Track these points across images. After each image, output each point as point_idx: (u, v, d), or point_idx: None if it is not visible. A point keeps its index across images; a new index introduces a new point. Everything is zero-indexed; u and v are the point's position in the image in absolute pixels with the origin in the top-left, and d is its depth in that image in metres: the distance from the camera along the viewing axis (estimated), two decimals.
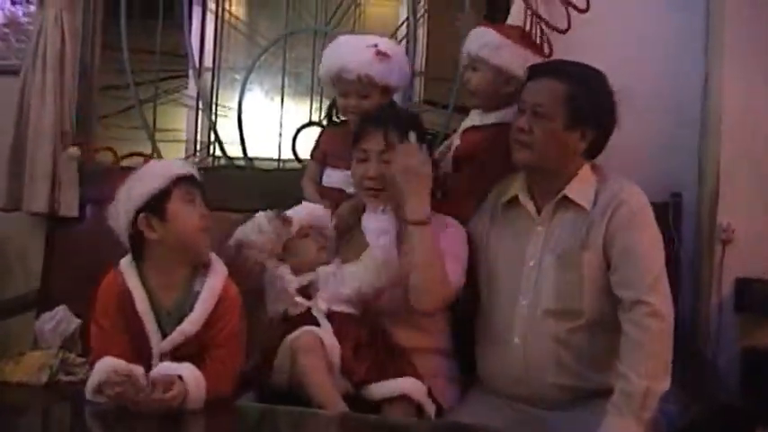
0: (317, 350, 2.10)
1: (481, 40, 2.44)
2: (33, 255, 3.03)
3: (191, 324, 2.12)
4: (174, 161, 2.37)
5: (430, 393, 2.17)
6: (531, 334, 2.18)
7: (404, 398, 2.12)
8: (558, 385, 2.15)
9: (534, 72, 2.25)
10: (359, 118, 2.40)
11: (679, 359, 2.12)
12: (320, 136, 2.59)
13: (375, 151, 2.27)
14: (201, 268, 2.20)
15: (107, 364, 2.05)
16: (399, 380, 2.13)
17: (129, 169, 2.99)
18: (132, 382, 1.99)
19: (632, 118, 2.27)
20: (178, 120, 3.29)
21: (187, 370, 2.04)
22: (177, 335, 2.13)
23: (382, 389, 2.12)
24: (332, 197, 2.45)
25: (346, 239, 2.38)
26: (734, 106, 2.63)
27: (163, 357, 2.14)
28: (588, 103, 2.17)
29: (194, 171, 2.24)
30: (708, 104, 2.73)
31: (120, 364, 2.05)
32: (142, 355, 2.13)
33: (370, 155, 2.28)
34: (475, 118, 2.53)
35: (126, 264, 2.25)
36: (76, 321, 2.80)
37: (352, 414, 2.05)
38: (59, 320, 2.80)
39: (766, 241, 2.61)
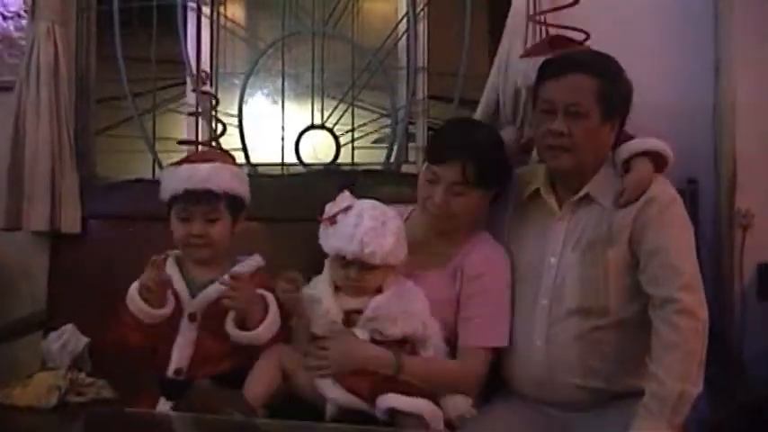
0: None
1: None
2: (37, 274, 2.98)
3: (219, 286, 2.20)
4: (192, 171, 2.29)
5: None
6: (554, 334, 2.11)
7: (416, 417, 2.04)
8: (584, 388, 2.09)
9: (556, 69, 2.13)
10: (439, 133, 2.36)
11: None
12: None
13: (448, 181, 2.16)
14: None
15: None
16: (414, 398, 2.06)
17: (130, 183, 3.00)
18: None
19: (644, 107, 2.21)
20: (178, 128, 3.23)
21: (268, 293, 2.20)
22: (205, 294, 2.25)
23: (393, 401, 2.04)
24: None
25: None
26: (747, 91, 2.60)
27: (191, 318, 2.26)
28: (618, 95, 2.10)
29: (222, 181, 2.28)
30: (720, 90, 2.68)
31: None
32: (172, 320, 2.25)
33: (443, 183, 2.16)
34: None
35: (170, 258, 2.36)
36: (85, 340, 2.75)
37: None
38: (67, 339, 2.74)
39: None
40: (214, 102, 3.02)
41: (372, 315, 2.11)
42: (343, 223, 2.12)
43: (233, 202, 2.31)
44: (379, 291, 2.16)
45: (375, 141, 3.19)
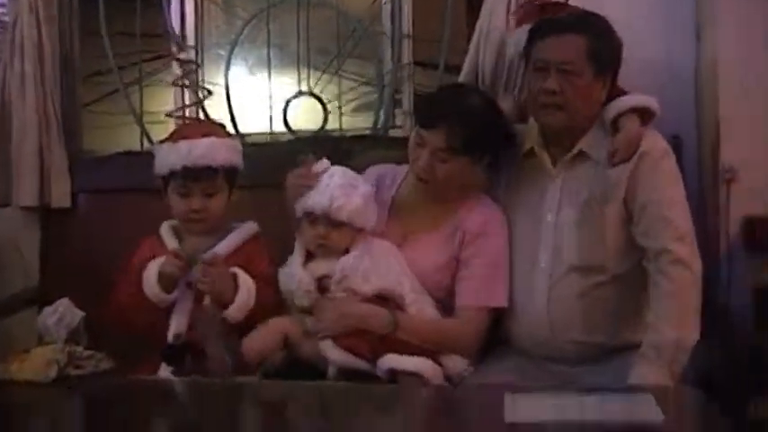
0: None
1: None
2: (29, 250, 2.98)
3: (216, 251, 2.26)
4: (190, 147, 2.30)
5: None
6: (555, 292, 2.15)
7: (417, 376, 2.09)
8: (586, 343, 2.14)
9: (547, 29, 2.16)
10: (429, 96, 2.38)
11: None
12: None
13: (433, 146, 2.18)
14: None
15: (159, 260, 2.26)
16: (413, 357, 2.10)
17: (119, 157, 3.00)
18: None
19: (628, 66, 2.24)
20: (164, 101, 3.23)
21: (240, 270, 2.22)
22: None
23: (393, 361, 2.09)
24: None
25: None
26: (729, 48, 2.60)
27: (189, 286, 2.27)
28: (608, 52, 2.14)
29: (220, 155, 2.30)
30: (702, 47, 2.71)
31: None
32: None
33: (427, 148, 2.18)
34: None
35: (165, 224, 2.42)
36: (80, 313, 2.75)
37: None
38: (62, 314, 2.75)
39: None
40: (197, 70, 3.02)
41: (341, 275, 2.15)
42: (316, 186, 2.19)
43: (229, 173, 2.33)
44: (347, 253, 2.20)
45: (360, 108, 3.21)
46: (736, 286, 2.55)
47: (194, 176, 2.28)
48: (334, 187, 2.16)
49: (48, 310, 2.76)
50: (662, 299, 2.02)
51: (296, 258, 2.22)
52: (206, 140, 2.31)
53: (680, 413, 1.77)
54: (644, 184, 2.09)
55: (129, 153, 2.98)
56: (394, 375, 2.08)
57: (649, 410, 1.65)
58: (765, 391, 2.26)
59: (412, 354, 2.10)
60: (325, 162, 2.24)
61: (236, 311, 2.20)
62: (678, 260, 2.02)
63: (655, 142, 2.14)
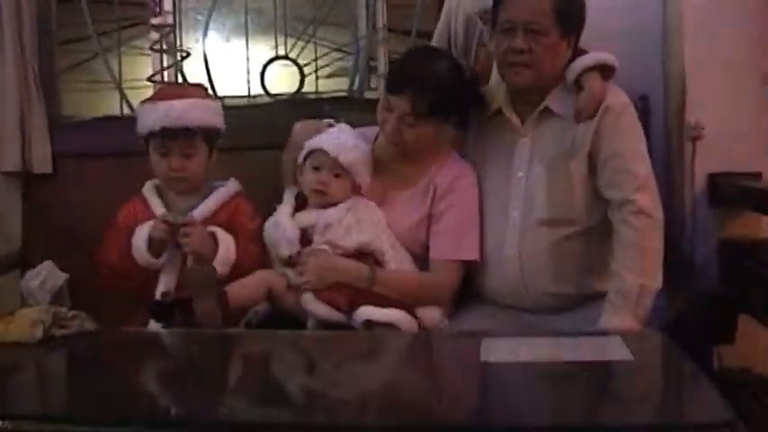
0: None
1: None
2: (10, 214, 2.99)
3: (199, 211, 2.36)
4: (168, 108, 2.37)
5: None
6: (526, 245, 2.22)
7: (391, 327, 2.16)
8: (557, 294, 2.22)
9: None
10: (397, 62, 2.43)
11: None
12: None
13: (399, 111, 2.23)
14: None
15: (147, 224, 2.33)
16: (387, 309, 2.17)
17: (99, 121, 3.03)
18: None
19: (594, 26, 2.30)
20: (140, 70, 3.26)
21: (219, 229, 2.31)
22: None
23: (367, 313, 2.16)
24: None
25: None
26: (695, 7, 2.65)
27: (176, 244, 2.34)
28: (573, 11, 2.20)
29: (197, 115, 2.37)
30: (668, 6, 2.73)
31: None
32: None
33: (395, 112, 2.24)
34: None
35: (148, 183, 2.48)
36: (63, 276, 2.79)
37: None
38: (46, 276, 2.79)
39: (735, 136, 2.65)
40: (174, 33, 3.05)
41: (324, 224, 2.22)
42: (326, 133, 2.28)
43: (208, 134, 2.38)
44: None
45: (336, 73, 3.26)
46: (700, 239, 2.61)
47: (172, 136, 2.34)
48: (347, 136, 2.27)
49: (31, 273, 2.80)
50: (625, 248, 2.10)
51: (284, 208, 2.29)
52: (184, 101, 2.37)
53: (647, 353, 1.86)
54: (607, 137, 2.17)
55: (108, 118, 3.02)
56: (370, 327, 2.15)
57: (619, 351, 1.74)
58: (728, 339, 2.37)
59: (388, 307, 2.17)
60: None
61: (218, 267, 2.26)
62: (640, 210, 2.11)
63: (616, 97, 2.21)
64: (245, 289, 2.20)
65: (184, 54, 3.06)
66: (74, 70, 3.29)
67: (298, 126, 2.38)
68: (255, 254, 2.32)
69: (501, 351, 1.76)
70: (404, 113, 2.21)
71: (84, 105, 3.26)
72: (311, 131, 2.32)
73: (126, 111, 3.05)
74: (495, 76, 2.41)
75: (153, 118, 2.36)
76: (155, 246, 2.32)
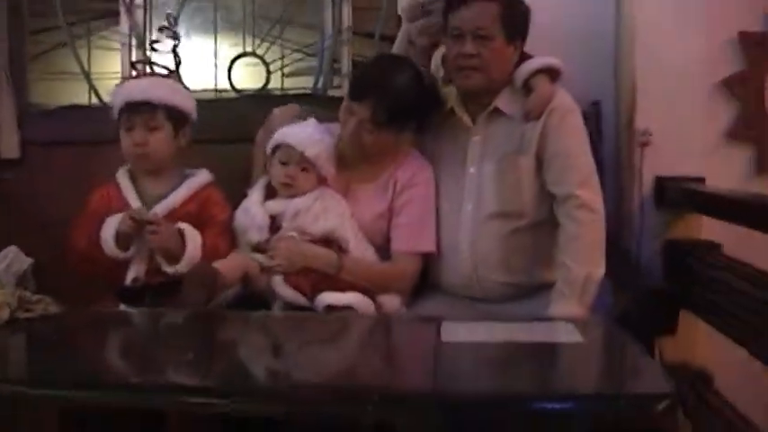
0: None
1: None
2: None
3: (171, 199, 2.42)
4: (132, 85, 2.50)
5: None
6: (478, 237, 2.33)
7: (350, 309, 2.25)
8: (507, 283, 2.33)
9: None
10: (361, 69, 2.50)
11: (607, 255, 2.30)
12: None
13: (360, 118, 2.32)
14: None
15: (117, 217, 2.36)
16: (347, 293, 2.27)
17: (67, 110, 3.08)
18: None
19: (549, 33, 2.47)
20: (108, 63, 3.31)
21: (188, 226, 2.36)
22: (159, 207, 2.41)
23: (328, 298, 2.25)
24: None
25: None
26: (646, 16, 2.79)
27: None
28: (519, 18, 2.32)
29: (160, 92, 2.44)
30: (621, 17, 2.86)
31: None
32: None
33: (355, 117, 2.32)
34: None
35: (121, 169, 2.52)
36: (28, 260, 2.84)
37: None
38: (12, 260, 2.83)
39: (681, 142, 2.80)
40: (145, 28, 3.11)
41: (293, 212, 2.30)
42: (292, 126, 2.36)
43: (173, 113, 2.44)
44: None
45: (300, 72, 3.35)
46: (647, 239, 2.75)
47: (135, 110, 2.41)
48: (312, 131, 2.35)
49: None
50: (570, 240, 2.23)
51: (254, 196, 2.37)
52: (149, 79, 2.52)
53: (596, 336, 1.99)
54: (553, 136, 2.29)
55: (76, 107, 3.07)
56: (330, 311, 2.25)
57: (570, 334, 1.87)
58: (670, 332, 2.50)
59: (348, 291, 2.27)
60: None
61: (183, 267, 2.32)
62: (582, 204, 2.23)
63: (562, 99, 2.34)
64: (226, 270, 2.26)
65: (152, 50, 3.11)
66: (38, 60, 3.31)
67: (276, 111, 2.48)
68: (224, 249, 2.37)
69: (460, 332, 1.87)
70: (364, 120, 2.31)
71: (50, 95, 3.28)
72: (288, 116, 2.43)
73: (94, 101, 3.09)
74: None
75: (120, 97, 2.45)
76: (122, 240, 2.37)
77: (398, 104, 2.30)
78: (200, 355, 1.81)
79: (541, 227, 2.32)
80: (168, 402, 1.59)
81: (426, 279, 2.44)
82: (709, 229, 2.69)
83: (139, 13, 3.14)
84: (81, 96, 3.17)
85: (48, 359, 1.81)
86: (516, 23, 2.32)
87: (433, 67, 2.54)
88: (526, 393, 1.54)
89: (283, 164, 2.34)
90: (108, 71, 3.26)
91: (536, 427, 1.47)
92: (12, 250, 2.84)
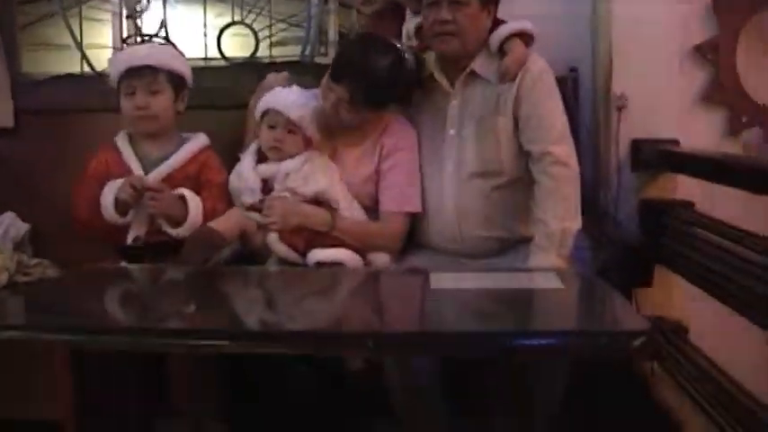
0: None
1: None
2: None
3: (171, 162, 2.51)
4: (133, 51, 2.62)
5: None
6: (460, 195, 2.44)
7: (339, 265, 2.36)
8: (488, 237, 2.44)
9: None
10: (342, 50, 2.56)
11: (585, 214, 2.42)
12: None
13: (339, 97, 2.39)
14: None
15: (116, 183, 2.45)
16: (337, 249, 2.37)
17: (59, 79, 3.15)
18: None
19: (528, 6, 2.63)
20: (97, 34, 3.37)
21: (188, 191, 2.46)
22: (158, 171, 2.50)
23: (319, 255, 2.36)
24: None
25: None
26: None
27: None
28: None
29: (161, 57, 2.54)
30: None
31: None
32: None
33: (334, 95, 2.40)
34: None
35: (121, 133, 2.58)
36: (25, 226, 2.92)
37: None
38: (8, 226, 2.91)
39: (656, 106, 2.91)
40: None
41: (284, 173, 2.39)
42: (277, 92, 2.46)
43: (173, 77, 2.53)
44: None
45: (288, 41, 3.42)
46: (623, 199, 2.87)
47: (137, 75, 2.49)
48: (296, 96, 2.44)
49: None
50: (546, 195, 2.34)
51: (247, 160, 2.45)
52: (147, 45, 2.66)
53: (576, 284, 2.12)
54: (527, 97, 2.40)
55: (68, 76, 3.13)
56: (321, 267, 2.35)
57: (552, 281, 1.99)
58: (645, 284, 2.62)
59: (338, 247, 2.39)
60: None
61: (185, 231, 2.42)
62: (557, 161, 2.35)
63: (535, 62, 2.44)
64: (224, 229, 2.36)
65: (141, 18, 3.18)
66: (25, 31, 3.35)
67: (270, 76, 2.59)
68: (222, 211, 2.47)
69: (448, 281, 1.99)
70: (342, 99, 2.39)
71: (38, 65, 3.33)
72: (280, 82, 2.53)
73: (86, 69, 3.16)
74: None
75: (120, 62, 2.53)
76: (121, 205, 2.45)
77: (375, 88, 2.39)
78: (202, 303, 1.91)
79: (520, 183, 2.43)
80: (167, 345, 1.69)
81: (413, 239, 2.54)
82: (683, 188, 2.81)
83: None
84: (69, 66, 3.23)
85: (59, 308, 1.91)
86: None
87: (404, 37, 2.64)
88: (509, 331, 1.65)
89: (271, 128, 2.42)
90: (96, 42, 3.31)
91: (520, 363, 1.58)
92: (8, 216, 2.92)
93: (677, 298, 2.74)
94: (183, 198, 2.45)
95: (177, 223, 2.44)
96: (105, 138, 2.68)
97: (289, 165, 2.41)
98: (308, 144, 2.45)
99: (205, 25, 3.25)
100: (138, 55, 2.52)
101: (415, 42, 2.61)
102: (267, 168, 2.43)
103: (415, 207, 2.48)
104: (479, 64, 2.45)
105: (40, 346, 2.13)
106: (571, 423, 2.25)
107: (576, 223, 2.34)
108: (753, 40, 3.01)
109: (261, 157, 2.46)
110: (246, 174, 2.42)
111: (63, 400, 2.21)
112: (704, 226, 2.51)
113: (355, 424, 2.41)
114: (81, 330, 1.68)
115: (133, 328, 1.71)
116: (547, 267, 2.23)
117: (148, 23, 3.19)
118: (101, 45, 3.28)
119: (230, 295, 2.12)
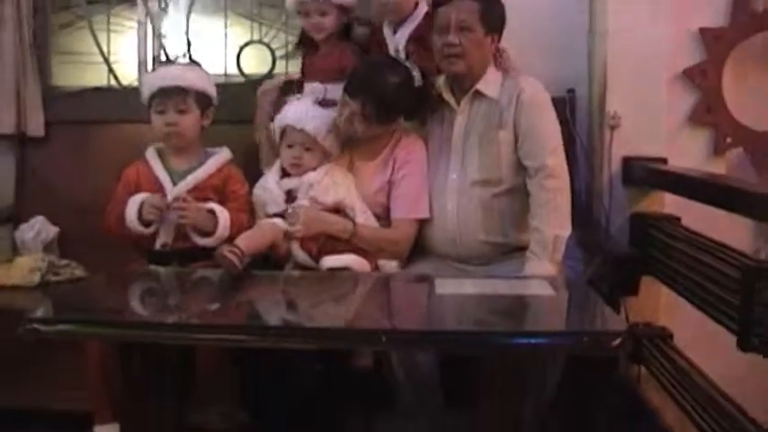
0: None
1: None
2: (5, 174, 3.29)
3: (197, 174, 2.69)
4: (165, 72, 2.78)
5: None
6: (463, 201, 2.66)
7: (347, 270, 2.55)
8: (486, 242, 2.65)
9: None
10: (357, 67, 2.73)
11: (579, 227, 2.65)
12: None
13: (352, 110, 2.61)
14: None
15: (138, 197, 2.63)
16: (346, 255, 2.57)
17: (88, 92, 3.35)
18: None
19: (528, 26, 2.83)
20: (121, 43, 3.54)
21: (217, 205, 2.65)
22: (185, 183, 2.69)
23: (330, 261, 2.56)
24: None
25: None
26: (617, 11, 3.06)
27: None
28: (496, 14, 2.65)
29: (190, 79, 2.73)
30: (594, 13, 3.16)
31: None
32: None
33: (348, 108, 2.61)
34: None
35: (150, 147, 2.76)
36: (54, 229, 3.12)
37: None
38: (39, 229, 3.11)
39: (646, 126, 3.07)
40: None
41: (308, 184, 2.61)
42: (290, 105, 2.69)
43: (200, 97, 2.73)
44: None
45: None
46: (615, 213, 3.04)
47: (168, 94, 2.69)
48: (307, 106, 2.67)
49: (25, 226, 3.11)
50: (540, 206, 2.56)
51: (272, 175, 2.68)
52: (179, 66, 2.81)
53: (566, 292, 2.33)
54: (526, 115, 2.62)
55: (97, 89, 3.33)
56: (331, 271, 2.55)
57: (544, 289, 2.20)
58: (633, 292, 2.81)
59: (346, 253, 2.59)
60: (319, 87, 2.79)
61: (214, 242, 2.59)
62: (551, 174, 2.57)
63: (531, 83, 2.67)
64: (258, 241, 2.52)
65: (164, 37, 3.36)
66: (66, 30, 3.52)
67: (266, 83, 2.85)
68: (246, 222, 2.66)
69: (451, 287, 2.21)
70: (355, 112, 2.62)
71: (70, 77, 3.50)
72: (271, 90, 2.80)
73: (112, 83, 3.37)
74: None
75: (152, 81, 2.73)
76: (144, 221, 2.63)
77: (385, 103, 2.63)
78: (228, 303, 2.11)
79: (516, 193, 2.64)
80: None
81: (416, 244, 2.74)
82: (671, 204, 2.98)
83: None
84: (96, 78, 3.43)
85: (102, 306, 2.13)
86: (493, 19, 2.65)
87: (392, 52, 2.86)
88: (504, 330, 1.86)
89: (289, 147, 2.64)
90: (120, 50, 3.48)
91: (513, 359, 1.79)
92: (39, 220, 3.12)
93: (663, 306, 2.93)
94: (211, 211, 2.63)
95: (205, 234, 2.63)
96: (129, 148, 2.89)
97: (311, 177, 2.62)
98: (326, 156, 2.66)
99: (226, 45, 3.44)
100: (170, 76, 2.72)
101: (403, 55, 2.84)
102: (291, 182, 2.65)
103: (424, 213, 2.70)
104: (483, 83, 2.68)
105: (74, 341, 2.31)
106: (561, 426, 2.48)
107: (567, 230, 2.56)
108: (738, 66, 3.23)
109: (284, 172, 2.67)
110: (271, 186, 2.64)
111: (95, 391, 2.41)
112: (688, 240, 2.65)
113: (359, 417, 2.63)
114: (131, 325, 1.89)
115: (177, 324, 1.92)
116: (541, 273, 2.44)
117: (170, 35, 3.41)
118: (124, 58, 3.46)
119: (254, 297, 2.33)
